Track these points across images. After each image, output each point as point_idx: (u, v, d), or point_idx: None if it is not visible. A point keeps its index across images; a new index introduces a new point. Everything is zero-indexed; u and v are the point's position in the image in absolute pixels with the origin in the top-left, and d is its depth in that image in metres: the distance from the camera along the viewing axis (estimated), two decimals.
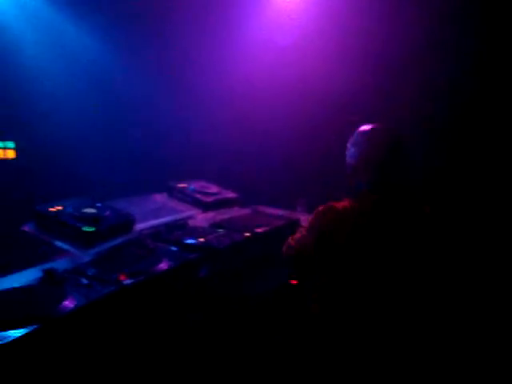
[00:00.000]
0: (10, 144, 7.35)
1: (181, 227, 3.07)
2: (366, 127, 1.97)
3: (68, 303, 1.83)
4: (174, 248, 2.58)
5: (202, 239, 2.79)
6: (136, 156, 4.95)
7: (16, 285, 2.03)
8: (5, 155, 7.09)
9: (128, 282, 2.08)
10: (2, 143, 7.26)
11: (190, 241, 2.74)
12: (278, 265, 3.23)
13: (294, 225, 3.38)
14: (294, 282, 3.20)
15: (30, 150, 5.62)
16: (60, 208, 2.55)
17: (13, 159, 6.37)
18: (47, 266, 2.45)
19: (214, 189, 3.57)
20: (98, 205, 2.69)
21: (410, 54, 3.96)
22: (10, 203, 4.63)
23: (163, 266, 2.31)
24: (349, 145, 2.00)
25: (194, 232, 2.95)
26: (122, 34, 5.24)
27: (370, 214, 1.85)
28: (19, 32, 5.38)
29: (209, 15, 4.95)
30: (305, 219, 3.54)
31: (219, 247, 2.66)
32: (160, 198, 3.46)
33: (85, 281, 2.00)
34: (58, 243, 2.45)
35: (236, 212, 3.59)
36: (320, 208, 1.90)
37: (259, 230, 3.12)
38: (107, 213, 2.61)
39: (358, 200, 1.89)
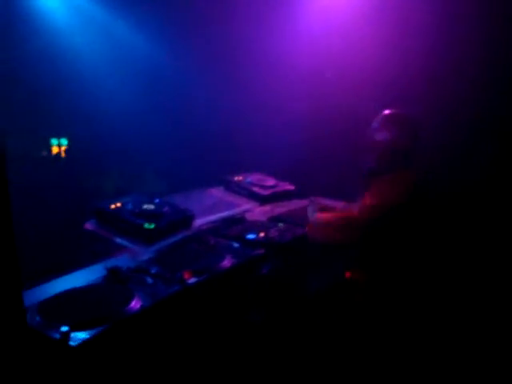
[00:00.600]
0: (64, 141, 7.54)
1: (239, 222, 2.99)
2: (394, 112, 2.30)
3: (134, 303, 1.78)
4: (235, 244, 2.49)
5: (262, 234, 2.69)
6: (192, 150, 4.92)
7: (81, 283, 2.00)
8: (59, 151, 7.26)
9: (193, 280, 2.01)
10: (56, 140, 7.46)
11: (251, 236, 2.65)
12: (337, 257, 3.12)
13: None
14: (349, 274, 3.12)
15: (84, 147, 5.71)
16: (119, 205, 2.52)
17: (66, 156, 6.53)
18: (109, 263, 2.42)
19: (270, 181, 3.46)
20: (157, 201, 2.64)
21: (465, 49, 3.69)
22: (68, 199, 4.71)
23: (226, 263, 2.23)
24: (378, 125, 2.30)
25: (254, 227, 2.85)
26: (176, 31, 5.21)
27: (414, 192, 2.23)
28: (73, 33, 5.45)
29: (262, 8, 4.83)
30: None
31: (281, 242, 2.56)
32: (216, 192, 3.38)
33: (149, 280, 1.94)
34: (119, 240, 2.41)
35: (294, 204, 3.46)
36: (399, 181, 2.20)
37: None
38: (166, 209, 2.56)
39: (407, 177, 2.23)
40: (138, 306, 1.77)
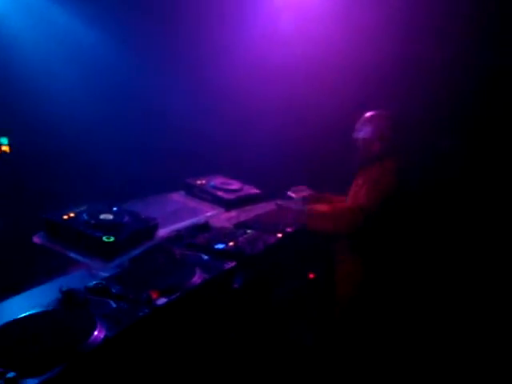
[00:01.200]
0: (4, 140, 7.05)
1: (205, 229, 2.79)
2: (376, 112, 2.65)
3: (97, 334, 1.54)
4: (204, 256, 2.28)
5: (231, 243, 2.50)
6: (146, 152, 4.64)
7: (29, 309, 1.73)
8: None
9: (162, 301, 1.79)
10: None
11: (219, 246, 2.45)
12: (302, 260, 2.99)
13: None
14: (312, 275, 3.10)
15: (28, 147, 5.31)
16: (73, 215, 2.25)
17: (8, 154, 6.06)
18: (64, 281, 2.17)
19: (235, 185, 3.27)
20: (115, 209, 2.38)
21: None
22: (12, 204, 4.33)
23: (197, 279, 2.02)
24: (360, 125, 2.67)
25: (221, 235, 2.66)
26: (128, 26, 4.93)
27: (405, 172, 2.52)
28: (18, 27, 5.07)
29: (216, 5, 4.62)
30: None
31: (253, 253, 2.37)
32: (178, 197, 3.15)
33: (112, 303, 1.69)
34: (73, 255, 2.15)
35: (260, 209, 3.30)
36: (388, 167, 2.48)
37: (290, 230, 2.83)
38: (126, 218, 2.31)
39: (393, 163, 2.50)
40: (102, 336, 1.53)
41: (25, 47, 5.04)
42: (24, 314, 1.65)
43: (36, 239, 2.23)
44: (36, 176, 5.01)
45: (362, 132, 2.64)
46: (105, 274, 2.21)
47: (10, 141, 6.14)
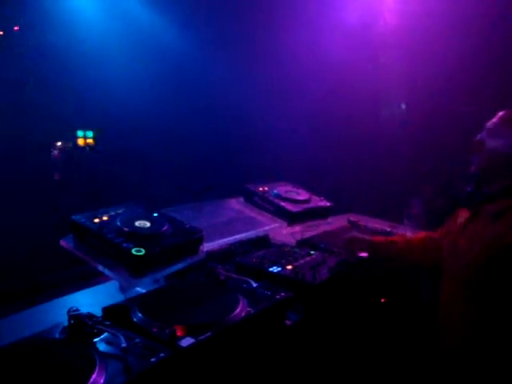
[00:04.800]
0: (89, 133, 7.21)
1: (261, 245, 2.37)
2: None
3: (96, 377, 1.17)
4: (252, 282, 1.85)
5: (289, 267, 2.05)
6: (211, 153, 4.34)
7: (30, 332, 1.40)
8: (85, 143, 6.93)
9: (188, 341, 1.38)
10: (82, 132, 7.14)
11: (274, 269, 2.01)
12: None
13: None
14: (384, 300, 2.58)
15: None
16: (105, 219, 1.92)
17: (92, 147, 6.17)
18: (79, 298, 1.86)
19: (302, 195, 2.83)
20: (155, 215, 2.03)
21: None
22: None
23: (239, 312, 1.59)
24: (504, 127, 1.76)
25: (279, 254, 2.22)
26: (207, 25, 4.71)
27: None
28: (106, 30, 5.07)
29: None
30: None
31: (315, 283, 1.91)
32: (235, 204, 2.77)
33: (123, 341, 1.31)
34: (99, 266, 1.82)
35: (329, 225, 2.82)
36: None
37: (364, 255, 2.33)
38: (165, 227, 1.95)
39: None
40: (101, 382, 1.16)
41: (111, 50, 5.02)
42: (17, 340, 1.32)
43: (63, 243, 1.94)
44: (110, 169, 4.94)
45: (504, 140, 1.76)
46: (141, 290, 1.87)
47: (95, 135, 6.23)
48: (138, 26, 5.12)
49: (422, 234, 2.38)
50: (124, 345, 1.29)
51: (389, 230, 2.77)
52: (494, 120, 1.86)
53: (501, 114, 1.86)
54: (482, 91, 3.44)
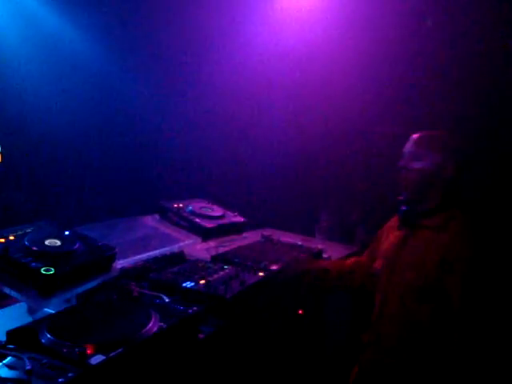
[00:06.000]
0: None
1: (176, 261, 2.40)
2: (437, 134, 1.92)
3: None
4: (165, 297, 1.88)
5: (203, 281, 2.11)
6: (123, 172, 4.27)
7: None
8: None
9: (98, 359, 1.39)
10: None
11: (188, 284, 2.06)
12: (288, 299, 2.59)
13: (316, 258, 2.73)
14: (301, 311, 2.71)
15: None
16: (12, 238, 1.87)
17: None
18: None
19: (217, 211, 2.91)
20: (66, 233, 2.01)
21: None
22: None
23: (151, 327, 1.62)
24: (421, 148, 1.89)
25: (193, 270, 2.27)
26: (121, 34, 4.65)
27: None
28: (8, 32, 4.82)
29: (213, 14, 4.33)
30: (327, 249, 2.89)
31: (226, 296, 1.98)
32: (151, 221, 2.79)
33: (28, 364, 1.29)
34: (6, 289, 1.77)
35: (243, 240, 2.91)
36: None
37: (275, 268, 2.44)
38: (77, 245, 1.93)
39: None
40: None
41: (15, 53, 4.78)
42: None
43: None
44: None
45: (425, 161, 1.89)
46: (50, 311, 1.83)
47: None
48: (46, 34, 4.90)
49: (351, 260, 2.47)
50: (29, 367, 1.28)
51: (300, 243, 2.90)
52: (411, 143, 1.96)
53: (415, 136, 1.96)
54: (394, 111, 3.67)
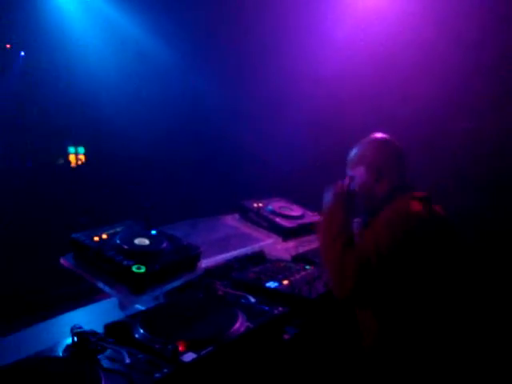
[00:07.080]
0: (81, 149, 7.23)
1: (257, 261, 2.40)
2: (382, 135, 1.99)
3: None
4: (250, 297, 1.89)
5: (286, 282, 2.10)
6: (206, 170, 4.37)
7: (33, 349, 1.43)
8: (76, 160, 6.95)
9: (189, 356, 1.42)
10: (73, 148, 7.15)
11: (271, 284, 2.06)
12: None
13: None
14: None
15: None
16: (105, 237, 1.96)
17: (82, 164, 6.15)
18: (80, 315, 1.88)
19: (296, 210, 2.88)
20: (153, 233, 2.07)
21: None
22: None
23: (239, 326, 1.63)
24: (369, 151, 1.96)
25: (275, 270, 2.26)
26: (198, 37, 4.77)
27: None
28: (89, 39, 5.09)
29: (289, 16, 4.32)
30: None
31: (311, 298, 1.95)
32: (231, 220, 2.81)
33: (126, 357, 1.34)
34: (100, 284, 1.85)
35: None
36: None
37: None
38: (164, 244, 1.99)
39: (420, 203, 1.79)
40: None
41: (97, 61, 5.04)
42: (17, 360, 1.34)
43: (63, 261, 1.96)
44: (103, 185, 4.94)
45: (354, 171, 1.98)
46: (140, 307, 1.90)
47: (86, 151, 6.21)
48: (130, 43, 5.16)
49: None
50: (128, 361, 1.33)
51: None
52: (350, 154, 2.04)
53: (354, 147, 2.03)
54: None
